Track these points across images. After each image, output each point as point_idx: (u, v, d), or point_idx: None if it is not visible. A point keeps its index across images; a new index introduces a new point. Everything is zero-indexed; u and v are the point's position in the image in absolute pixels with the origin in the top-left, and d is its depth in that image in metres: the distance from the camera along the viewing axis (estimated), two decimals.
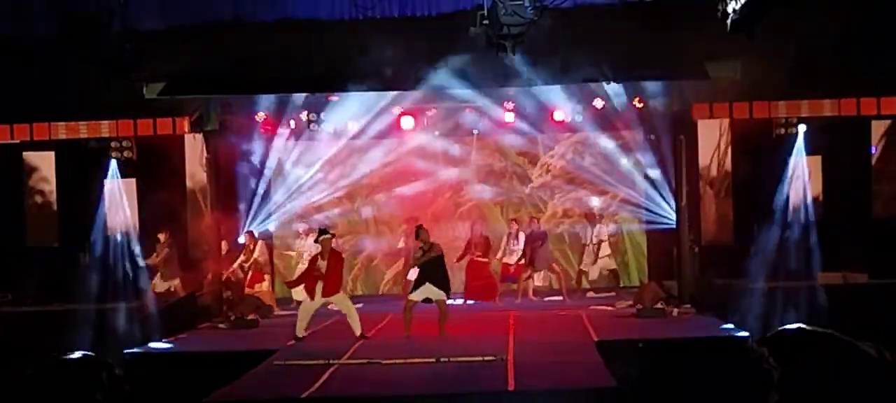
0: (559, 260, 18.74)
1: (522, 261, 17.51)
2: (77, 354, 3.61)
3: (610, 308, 16.18)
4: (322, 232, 13.97)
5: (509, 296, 17.59)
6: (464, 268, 17.57)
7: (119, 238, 18.68)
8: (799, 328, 3.26)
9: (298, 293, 17.15)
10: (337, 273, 13.66)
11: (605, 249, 17.07)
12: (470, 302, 17.09)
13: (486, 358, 11.30)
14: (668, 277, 16.92)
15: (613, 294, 17.53)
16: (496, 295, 17.43)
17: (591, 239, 17.33)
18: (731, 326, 13.51)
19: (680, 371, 11.13)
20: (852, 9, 15.05)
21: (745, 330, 12.62)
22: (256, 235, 17.64)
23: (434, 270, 13.55)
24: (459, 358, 11.37)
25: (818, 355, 3.11)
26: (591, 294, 17.59)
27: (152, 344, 13.36)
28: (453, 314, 14.21)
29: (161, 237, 17.13)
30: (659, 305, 15.18)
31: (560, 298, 17.52)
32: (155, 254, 17.35)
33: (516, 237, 17.60)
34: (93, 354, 3.66)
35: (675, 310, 15.21)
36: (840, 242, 17.93)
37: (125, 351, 12.28)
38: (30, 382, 3.44)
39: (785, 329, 3.28)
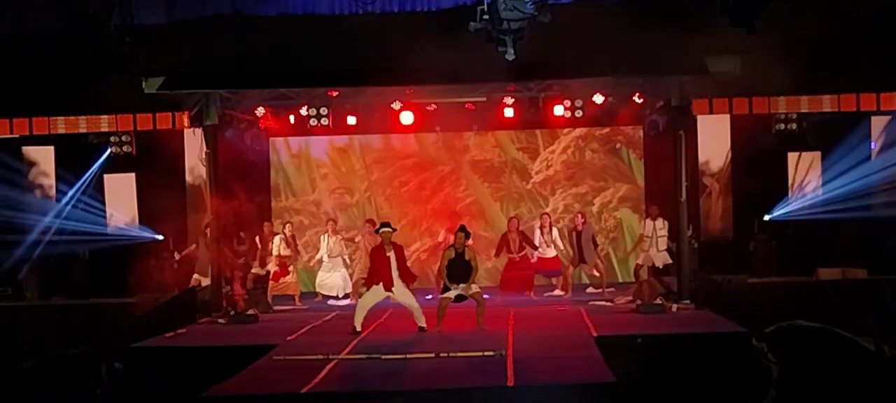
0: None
1: (553, 254, 17.57)
2: (77, 348, 3.63)
3: (609, 303, 16.19)
4: (384, 225, 13.91)
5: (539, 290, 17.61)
6: (499, 264, 17.66)
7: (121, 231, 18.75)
8: (798, 323, 3.27)
9: (323, 287, 17.35)
10: (404, 263, 13.76)
11: (663, 244, 17.02)
12: (503, 298, 16.76)
13: (485, 354, 11.30)
14: (667, 273, 16.92)
15: (612, 289, 17.55)
16: (531, 288, 17.36)
17: (654, 233, 17.17)
18: (730, 322, 13.50)
19: (679, 366, 11.14)
20: (851, 3, 15.05)
21: (745, 326, 12.62)
22: (274, 229, 17.62)
23: (463, 271, 13.55)
24: (459, 354, 11.37)
25: (817, 350, 3.12)
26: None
27: (152, 339, 13.34)
28: (454, 309, 14.20)
29: (208, 231, 17.09)
30: (658, 301, 15.18)
31: (562, 293, 17.63)
32: (194, 246, 17.42)
33: (549, 231, 17.53)
34: (92, 348, 3.68)
35: (675, 306, 15.20)
36: (839, 238, 17.97)
37: (124, 346, 12.26)
38: (30, 376, 3.46)
39: (784, 324, 3.29)
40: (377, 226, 14.32)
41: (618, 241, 19.63)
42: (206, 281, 16.96)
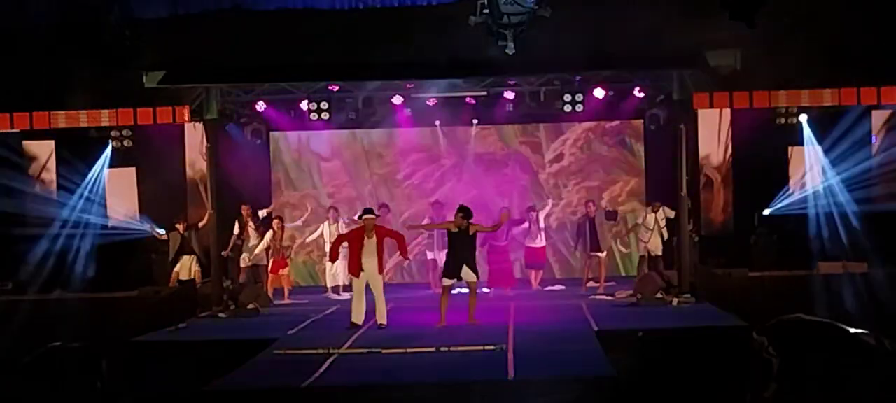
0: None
1: (541, 244, 17.69)
2: (76, 342, 3.61)
3: (610, 297, 16.19)
4: (367, 211, 13.84)
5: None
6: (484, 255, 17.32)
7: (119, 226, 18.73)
8: (798, 317, 3.25)
9: (330, 276, 17.33)
10: (381, 252, 13.61)
11: (667, 233, 17.05)
12: (486, 289, 16.76)
13: (486, 347, 11.32)
14: (668, 266, 16.93)
15: (612, 282, 17.57)
16: (511, 283, 17.31)
17: (656, 225, 17.09)
18: (730, 315, 13.51)
19: (679, 360, 11.14)
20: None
21: (745, 320, 12.62)
22: (282, 221, 17.59)
23: (469, 250, 13.36)
24: (459, 347, 11.39)
25: (817, 344, 3.10)
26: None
27: (152, 333, 13.35)
28: (454, 303, 14.19)
29: (179, 227, 17.04)
30: (659, 295, 15.18)
31: (563, 287, 17.65)
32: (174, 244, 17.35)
33: (537, 221, 17.58)
34: (92, 342, 3.66)
35: (675, 300, 15.21)
36: (840, 231, 17.94)
37: (125, 340, 12.27)
38: (30, 370, 3.44)
39: (784, 318, 3.27)
40: (360, 214, 14.09)
41: (621, 235, 19.59)
42: (184, 276, 16.94)
